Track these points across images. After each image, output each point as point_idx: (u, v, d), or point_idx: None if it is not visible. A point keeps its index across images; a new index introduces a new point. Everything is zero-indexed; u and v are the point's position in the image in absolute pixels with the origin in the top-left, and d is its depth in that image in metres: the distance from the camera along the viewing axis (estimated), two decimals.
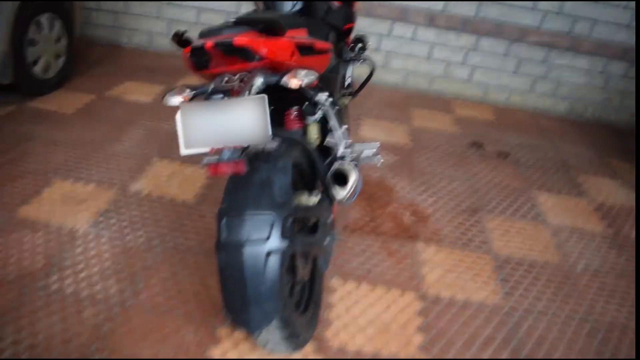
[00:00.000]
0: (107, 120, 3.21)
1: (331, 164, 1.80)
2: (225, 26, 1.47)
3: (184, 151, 1.23)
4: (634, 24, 4.21)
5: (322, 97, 1.72)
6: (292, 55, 1.47)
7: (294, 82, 1.36)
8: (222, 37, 1.37)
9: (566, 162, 3.63)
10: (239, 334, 1.78)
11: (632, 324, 2.12)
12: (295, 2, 1.98)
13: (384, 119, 3.85)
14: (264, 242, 1.29)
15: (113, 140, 2.97)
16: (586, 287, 2.31)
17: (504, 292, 2.20)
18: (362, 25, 4.29)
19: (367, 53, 2.47)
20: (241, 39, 1.33)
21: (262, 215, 1.29)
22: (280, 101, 1.65)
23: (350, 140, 1.81)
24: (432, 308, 2.05)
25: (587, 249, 2.60)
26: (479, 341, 1.92)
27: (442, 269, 2.28)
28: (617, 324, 2.11)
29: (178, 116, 1.22)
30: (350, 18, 2.28)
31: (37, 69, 3.29)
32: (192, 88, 1.42)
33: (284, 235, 1.31)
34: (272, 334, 1.45)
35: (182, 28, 4.51)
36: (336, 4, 2.24)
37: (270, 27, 1.42)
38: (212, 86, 1.37)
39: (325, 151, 1.82)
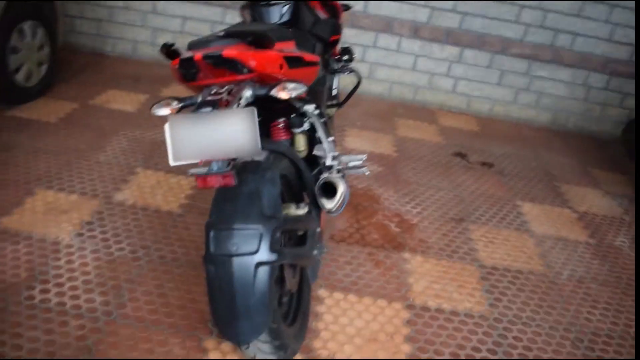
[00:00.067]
0: (91, 129, 3.18)
1: (318, 175, 1.80)
2: (214, 38, 1.47)
3: (172, 163, 1.22)
4: (613, 37, 4.31)
5: (310, 108, 1.72)
6: (281, 68, 1.48)
7: (283, 94, 1.36)
8: (211, 49, 1.37)
9: (549, 171, 3.68)
10: (226, 346, 1.76)
11: (616, 332, 2.15)
12: (282, 13, 1.99)
13: (369, 129, 3.87)
14: (253, 254, 1.28)
15: (96, 150, 2.94)
16: (570, 296, 2.33)
17: (490, 302, 2.21)
18: (347, 36, 4.31)
19: (353, 64, 2.49)
20: (230, 51, 1.33)
21: (251, 229, 1.29)
22: (267, 112, 1.65)
23: (337, 153, 1.81)
24: (419, 318, 2.05)
25: (570, 258, 2.63)
26: (466, 351, 1.93)
27: (428, 279, 2.29)
28: (601, 333, 2.13)
29: (167, 128, 1.21)
30: (336, 30, 2.30)
31: (19, 77, 3.25)
32: (180, 99, 1.41)
33: (272, 247, 1.30)
34: (261, 345, 1.44)
35: (167, 37, 4.50)
36: (323, 15, 2.25)
37: (259, 40, 1.43)
38: (200, 98, 1.36)
39: (312, 162, 1.83)
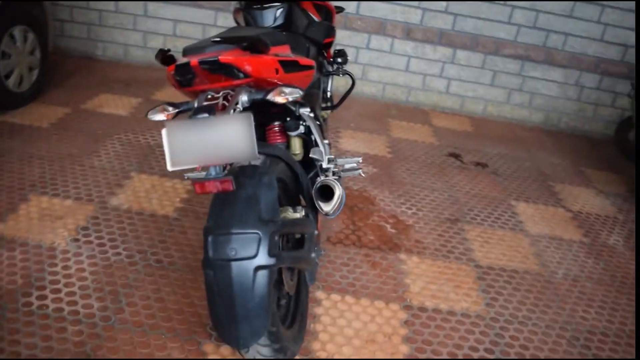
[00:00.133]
0: (84, 133, 3.16)
1: (314, 178, 1.81)
2: (209, 43, 1.47)
3: (170, 168, 1.22)
4: (605, 37, 4.34)
5: (305, 111, 1.73)
6: (277, 73, 1.48)
7: (279, 99, 1.36)
8: (207, 55, 1.37)
9: (543, 171, 3.70)
10: (225, 349, 1.76)
11: (611, 330, 2.17)
12: (276, 16, 1.99)
13: (363, 131, 3.88)
14: (252, 259, 1.28)
15: (90, 154, 2.93)
16: (566, 295, 2.35)
17: (486, 302, 2.22)
18: (340, 37, 4.33)
19: (346, 67, 2.49)
20: (226, 56, 1.33)
21: (249, 233, 1.29)
22: (262, 116, 1.65)
23: (333, 156, 1.82)
24: (417, 318, 2.06)
25: (565, 257, 2.64)
26: (463, 351, 1.94)
27: (425, 280, 2.30)
28: (597, 331, 2.15)
29: (164, 134, 1.21)
30: (330, 32, 2.30)
31: (10, 82, 3.23)
32: (175, 105, 1.41)
33: (271, 251, 1.31)
34: (260, 349, 1.44)
35: (158, 40, 4.49)
36: (316, 18, 2.26)
37: (254, 45, 1.43)
38: (196, 103, 1.36)
39: (308, 165, 1.83)
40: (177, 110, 1.39)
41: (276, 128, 1.77)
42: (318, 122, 1.87)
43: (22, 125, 3.14)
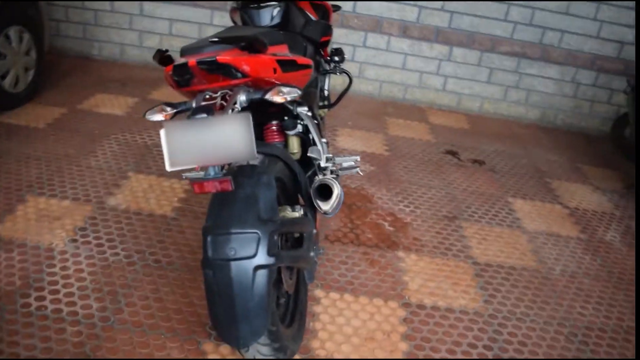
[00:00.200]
0: (80, 134, 3.16)
1: (312, 176, 1.81)
2: (207, 43, 1.47)
3: (169, 169, 1.22)
4: (601, 34, 4.36)
5: (303, 110, 1.73)
6: (275, 72, 1.48)
7: (278, 98, 1.37)
8: (205, 55, 1.37)
9: (539, 168, 3.71)
10: (225, 349, 1.76)
11: (608, 326, 2.18)
12: (273, 16, 1.99)
13: (360, 129, 3.88)
14: (251, 258, 1.28)
15: (87, 155, 2.92)
16: (563, 291, 2.36)
17: (484, 299, 2.23)
18: (336, 35, 4.32)
19: (343, 65, 2.50)
20: (224, 56, 1.33)
21: (248, 233, 1.29)
22: (259, 115, 1.65)
23: (331, 155, 1.82)
24: (415, 316, 2.07)
25: (562, 254, 2.65)
26: (462, 348, 1.95)
27: (423, 277, 2.31)
28: (594, 327, 2.16)
29: (162, 134, 1.21)
30: (327, 31, 2.30)
31: (6, 83, 3.22)
32: (173, 105, 1.41)
33: (270, 251, 1.31)
34: (260, 348, 1.45)
35: (154, 39, 4.48)
36: (313, 17, 2.26)
37: (252, 44, 1.43)
38: (194, 103, 1.36)
39: (305, 164, 1.83)
40: (175, 110, 1.39)
41: (274, 127, 1.77)
42: (316, 121, 1.87)
43: (19, 126, 3.14)
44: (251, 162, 1.43)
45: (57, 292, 1.91)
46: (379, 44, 4.47)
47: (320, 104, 2.47)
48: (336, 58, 2.42)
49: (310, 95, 2.12)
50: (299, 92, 1.39)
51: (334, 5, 2.63)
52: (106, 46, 4.58)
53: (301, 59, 1.69)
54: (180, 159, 1.22)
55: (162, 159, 2.98)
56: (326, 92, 2.55)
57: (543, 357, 1.96)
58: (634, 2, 4.24)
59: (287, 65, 1.56)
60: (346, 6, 4.24)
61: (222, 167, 1.36)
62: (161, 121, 1.35)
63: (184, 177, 1.61)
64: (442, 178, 3.29)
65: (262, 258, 1.30)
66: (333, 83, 2.91)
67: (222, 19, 4.41)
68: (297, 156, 1.83)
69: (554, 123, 4.74)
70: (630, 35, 4.35)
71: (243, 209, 1.32)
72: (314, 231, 1.77)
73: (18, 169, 2.67)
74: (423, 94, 4.66)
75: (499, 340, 2.01)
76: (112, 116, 3.47)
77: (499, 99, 4.66)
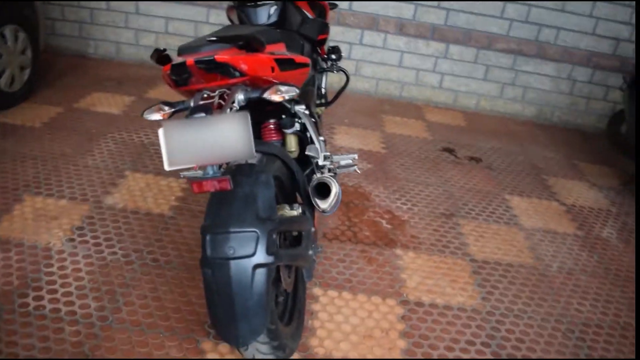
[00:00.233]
0: (77, 133, 3.15)
1: (310, 175, 1.81)
2: (204, 42, 1.47)
3: (168, 168, 1.22)
4: (597, 31, 4.37)
5: (301, 109, 1.73)
6: (273, 71, 1.48)
7: (276, 97, 1.37)
8: (203, 54, 1.37)
9: (536, 165, 3.72)
10: (224, 347, 1.77)
11: (605, 322, 2.19)
12: (270, 14, 1.99)
13: (357, 127, 3.89)
14: (250, 257, 1.28)
15: (84, 154, 2.91)
16: (560, 288, 2.37)
17: (482, 296, 2.23)
18: (333, 33, 4.32)
19: (340, 63, 2.50)
20: (222, 55, 1.33)
21: (247, 232, 1.29)
22: (256, 113, 1.65)
23: (329, 153, 1.82)
24: (413, 313, 2.07)
25: (559, 250, 2.66)
26: (460, 345, 1.95)
27: (421, 275, 2.31)
28: (591, 323, 2.17)
29: (161, 133, 1.21)
30: (324, 29, 2.30)
31: (2, 82, 3.21)
32: (171, 104, 1.41)
33: (269, 249, 1.31)
34: (259, 346, 1.45)
35: (150, 38, 4.47)
36: (310, 15, 2.25)
37: (250, 43, 1.43)
38: (192, 102, 1.36)
39: (303, 162, 1.83)
40: (173, 109, 1.38)
41: (271, 126, 1.77)
42: (313, 119, 1.87)
43: (15, 126, 3.13)
44: (249, 161, 1.43)
45: (55, 291, 1.91)
46: (376, 41, 4.47)
47: (318, 102, 2.47)
48: (333, 56, 2.42)
49: (308, 94, 2.12)
50: (297, 91, 1.39)
51: (330, 3, 2.63)
52: (102, 45, 4.56)
53: (299, 58, 1.69)
54: (179, 158, 1.21)
55: (159, 157, 2.99)
56: (323, 90, 2.55)
57: (541, 354, 1.97)
58: (634, 1, 4.26)
59: (285, 63, 1.56)
60: (342, 4, 4.24)
61: (220, 166, 1.36)
62: (159, 120, 1.34)
63: (181, 176, 1.61)
64: (439, 175, 3.29)
65: (261, 257, 1.30)
66: (330, 81, 2.91)
67: (218, 17, 4.40)
68: (295, 154, 1.83)
69: (550, 120, 4.75)
70: (625, 32, 4.37)
71: (242, 208, 1.32)
72: (313, 229, 1.77)
73: (14, 169, 2.66)
74: (419, 92, 4.66)
75: (497, 337, 2.02)
76: (109, 115, 3.47)
77: (495, 96, 4.67)
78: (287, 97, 1.37)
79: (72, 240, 2.20)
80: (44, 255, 2.09)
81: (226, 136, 1.20)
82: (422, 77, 4.61)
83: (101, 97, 3.75)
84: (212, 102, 1.34)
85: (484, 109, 4.72)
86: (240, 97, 1.37)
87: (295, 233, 1.74)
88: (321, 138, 1.85)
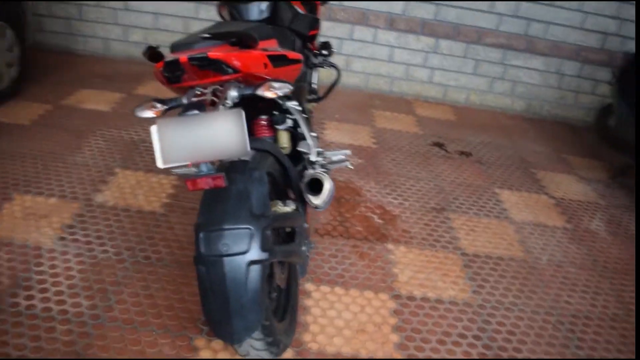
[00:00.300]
0: (66, 130, 3.12)
1: (302, 171, 1.81)
2: (197, 39, 1.46)
3: (161, 165, 1.22)
4: (586, 25, 4.39)
5: (292, 105, 1.73)
6: (265, 67, 1.48)
7: (269, 93, 1.37)
8: (196, 51, 1.37)
9: (525, 159, 3.75)
10: (217, 344, 1.77)
11: (594, 314, 2.21)
12: (261, 10, 1.98)
13: (348, 122, 3.89)
14: (244, 254, 1.29)
15: (73, 151, 2.89)
16: (550, 281, 2.39)
17: (473, 289, 2.25)
18: (323, 28, 4.31)
19: (331, 58, 2.50)
20: (215, 52, 1.33)
21: (241, 229, 1.29)
22: (248, 109, 1.65)
23: (322, 148, 1.82)
24: (406, 307, 2.08)
25: (549, 243, 2.69)
26: (452, 338, 1.97)
27: (413, 269, 2.33)
28: (580, 315, 2.20)
29: (154, 131, 1.20)
30: (314, 24, 2.30)
31: None
32: (163, 102, 1.40)
33: (263, 246, 1.31)
34: (254, 343, 1.45)
35: (139, 34, 4.44)
36: (301, 10, 2.25)
37: (243, 40, 1.43)
38: (184, 99, 1.36)
39: (295, 159, 1.84)
40: (166, 107, 1.38)
41: (263, 122, 1.77)
42: (305, 115, 1.87)
43: (2, 123, 3.09)
44: (243, 158, 1.43)
45: (46, 290, 1.90)
46: (366, 36, 4.47)
47: (309, 97, 2.47)
48: (324, 51, 2.42)
49: (299, 90, 2.12)
50: (291, 87, 1.39)
51: None
52: (91, 41, 4.52)
53: (291, 54, 1.69)
54: (172, 155, 1.21)
55: (150, 154, 2.97)
56: (314, 86, 2.55)
57: (531, 345, 1.99)
58: (634, 1, 4.29)
59: (277, 60, 1.56)
60: None
61: (213, 163, 1.36)
62: (152, 118, 1.34)
63: (173, 173, 1.60)
64: (429, 170, 3.31)
65: (255, 253, 1.30)
66: (320, 76, 2.91)
67: (207, 13, 4.37)
68: (287, 150, 1.83)
69: (540, 114, 4.78)
70: (613, 26, 4.40)
71: (236, 205, 1.32)
72: (306, 225, 1.77)
73: (3, 167, 2.64)
74: (409, 86, 4.67)
75: (488, 330, 2.03)
76: (98, 112, 3.44)
77: (484, 90, 4.69)
78: (280, 94, 1.38)
79: (63, 238, 2.19)
80: (34, 254, 2.08)
81: (220, 133, 1.20)
82: (412, 72, 4.62)
83: (90, 94, 3.72)
84: (205, 99, 1.34)
85: (473, 103, 4.74)
86: (233, 94, 1.37)
87: (288, 229, 1.74)
88: (313, 134, 1.86)
